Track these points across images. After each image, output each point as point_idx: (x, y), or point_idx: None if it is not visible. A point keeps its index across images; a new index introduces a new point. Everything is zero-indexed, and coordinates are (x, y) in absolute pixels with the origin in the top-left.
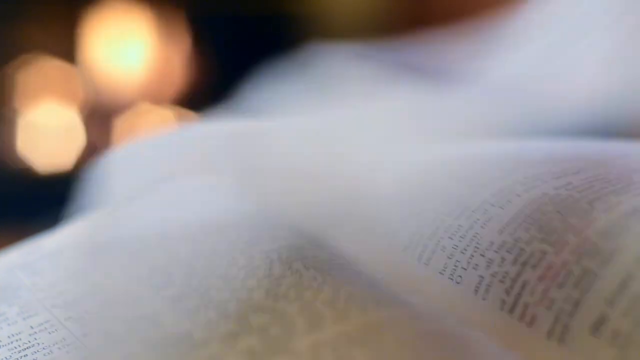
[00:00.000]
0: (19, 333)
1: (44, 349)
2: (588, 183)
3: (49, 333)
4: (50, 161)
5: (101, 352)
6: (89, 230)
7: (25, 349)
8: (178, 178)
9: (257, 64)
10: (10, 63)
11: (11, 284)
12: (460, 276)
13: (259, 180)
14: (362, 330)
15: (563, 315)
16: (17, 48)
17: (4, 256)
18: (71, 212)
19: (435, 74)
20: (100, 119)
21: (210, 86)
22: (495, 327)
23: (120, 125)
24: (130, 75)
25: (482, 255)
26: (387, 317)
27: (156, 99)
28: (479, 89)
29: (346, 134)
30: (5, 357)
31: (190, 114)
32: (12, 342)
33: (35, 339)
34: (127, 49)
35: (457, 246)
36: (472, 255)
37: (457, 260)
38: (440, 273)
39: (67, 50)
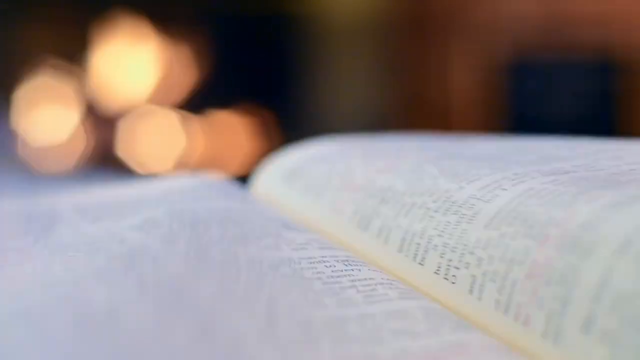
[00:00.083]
0: None
1: None
2: (576, 180)
3: None
4: (54, 162)
5: None
6: None
7: None
8: None
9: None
10: (17, 65)
11: None
12: (454, 276)
13: None
14: None
15: (554, 315)
16: (24, 50)
17: None
18: None
19: None
20: (104, 121)
21: (210, 86)
22: (494, 327)
23: (123, 127)
24: (134, 78)
25: (472, 253)
26: None
27: (160, 101)
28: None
29: None
30: None
31: (191, 114)
32: None
33: None
34: (132, 52)
35: (447, 244)
36: (463, 254)
37: (449, 259)
38: (435, 273)
39: (73, 53)
